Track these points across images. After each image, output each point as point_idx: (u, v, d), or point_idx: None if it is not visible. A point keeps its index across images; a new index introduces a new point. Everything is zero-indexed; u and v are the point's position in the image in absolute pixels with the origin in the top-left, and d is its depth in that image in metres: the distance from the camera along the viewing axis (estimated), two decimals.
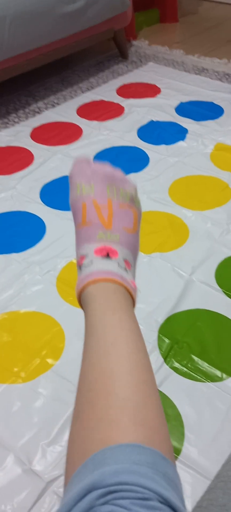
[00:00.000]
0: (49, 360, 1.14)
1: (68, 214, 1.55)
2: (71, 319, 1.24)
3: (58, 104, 2.32)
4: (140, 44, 2.98)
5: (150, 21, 3.32)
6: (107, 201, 0.64)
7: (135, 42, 3.00)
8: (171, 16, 3.35)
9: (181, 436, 0.99)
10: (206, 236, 1.46)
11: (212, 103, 2.20)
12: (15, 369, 1.12)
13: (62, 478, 0.91)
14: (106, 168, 0.68)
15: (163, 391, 1.06)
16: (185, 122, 2.06)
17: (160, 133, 2.00)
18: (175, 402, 1.04)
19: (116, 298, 0.56)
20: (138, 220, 0.65)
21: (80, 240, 0.63)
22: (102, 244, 0.60)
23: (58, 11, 2.20)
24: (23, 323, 1.24)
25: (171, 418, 1.02)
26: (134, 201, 0.66)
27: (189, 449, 0.97)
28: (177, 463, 0.94)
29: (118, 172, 0.68)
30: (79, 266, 0.60)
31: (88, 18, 2.38)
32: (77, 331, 1.20)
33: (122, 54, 2.80)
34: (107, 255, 0.59)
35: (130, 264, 0.60)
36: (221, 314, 1.22)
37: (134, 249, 0.63)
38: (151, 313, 1.24)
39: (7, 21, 2.00)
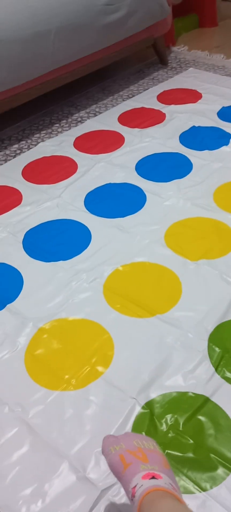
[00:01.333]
0: (99, 368, 1.14)
1: (113, 222, 1.58)
2: (120, 327, 1.23)
3: (99, 112, 2.33)
4: (180, 50, 2.96)
5: (189, 27, 3.30)
6: (138, 448, 0.77)
7: (174, 48, 2.98)
8: (210, 20, 3.32)
9: None
10: None
11: None
12: (66, 376, 1.13)
13: (116, 487, 0.91)
14: (128, 433, 0.90)
15: (215, 401, 1.05)
16: (227, 126, 2.03)
17: (203, 138, 1.97)
18: (228, 413, 1.02)
19: (167, 496, 0.66)
20: (167, 461, 0.77)
21: (127, 480, 0.73)
22: (147, 472, 0.71)
23: (100, 22, 2.21)
24: (72, 330, 1.24)
25: (224, 429, 1.00)
26: (158, 448, 0.80)
27: None
28: None
29: (138, 434, 0.85)
30: (133, 498, 0.69)
31: (129, 27, 2.38)
32: (126, 339, 1.20)
33: (161, 61, 2.79)
34: (153, 477, 0.70)
35: (175, 489, 0.69)
36: None
37: (174, 481, 0.72)
38: (200, 322, 1.22)
39: (51, 35, 2.02)
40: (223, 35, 3.20)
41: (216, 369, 1.11)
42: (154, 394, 1.08)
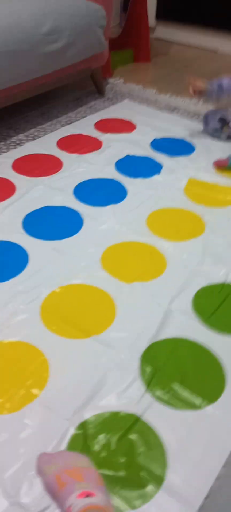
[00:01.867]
0: (34, 390, 1.10)
1: (51, 244, 1.55)
2: (56, 349, 1.20)
3: (38, 136, 2.29)
4: (116, 82, 2.99)
5: (125, 60, 3.36)
6: (73, 468, 0.78)
7: (111, 80, 3.01)
8: (144, 56, 3.40)
9: (164, 465, 0.96)
10: (183, 266, 1.45)
11: (183, 141, 2.23)
12: (0, 400, 1.08)
13: (50, 510, 0.87)
14: (62, 451, 0.92)
15: (146, 420, 1.04)
16: (159, 157, 2.07)
17: (137, 167, 2.00)
18: (158, 431, 1.02)
19: None
20: (101, 477, 0.79)
21: (63, 500, 0.73)
22: (81, 490, 0.72)
23: (41, 50, 2.19)
24: (8, 353, 1.19)
25: (153, 447, 0.99)
26: (91, 465, 0.82)
27: (171, 477, 0.94)
28: (160, 492, 0.92)
29: (72, 452, 0.89)
30: None
31: (68, 57, 2.38)
32: (62, 360, 1.17)
33: (99, 91, 2.81)
34: (88, 496, 0.71)
35: (108, 505, 0.72)
36: (198, 343, 1.21)
37: (107, 497, 0.75)
38: (133, 342, 1.21)
39: None
40: (156, 70, 3.28)
41: (147, 388, 1.11)
42: (87, 415, 1.05)
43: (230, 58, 3.47)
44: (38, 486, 0.90)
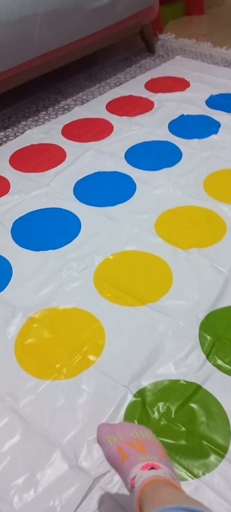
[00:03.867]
0: (91, 357, 1.14)
1: (103, 210, 1.58)
2: (111, 316, 1.23)
3: (87, 100, 2.32)
4: (167, 38, 2.95)
5: (176, 14, 3.29)
6: (135, 440, 0.77)
7: (161, 36, 2.97)
8: (197, 8, 3.32)
9: (227, 434, 0.97)
10: None
11: None
12: (57, 366, 1.12)
13: (109, 475, 0.91)
14: (124, 423, 0.88)
15: (207, 389, 1.05)
16: (216, 114, 2.04)
17: (192, 126, 1.98)
18: (220, 400, 1.03)
19: (166, 486, 0.67)
20: (165, 450, 0.78)
21: (126, 471, 0.73)
22: (145, 462, 0.72)
23: (88, 7, 2.19)
24: (63, 319, 1.24)
25: (216, 416, 1.01)
26: (155, 438, 0.80)
27: None
28: (224, 461, 0.93)
29: (134, 424, 0.88)
30: (132, 489, 0.70)
31: (117, 13, 2.37)
32: (117, 328, 1.20)
33: (148, 49, 2.78)
34: (152, 468, 0.70)
35: (174, 478, 0.70)
36: None
37: (172, 470, 0.73)
38: (191, 310, 1.23)
39: (38, 20, 2.00)
40: (210, 23, 3.20)
41: (207, 357, 1.12)
42: (145, 382, 1.08)
43: None
44: (97, 451, 0.95)
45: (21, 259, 1.42)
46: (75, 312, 1.26)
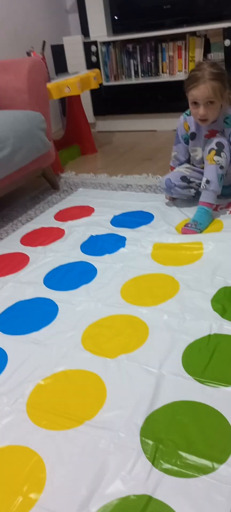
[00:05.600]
0: (32, 495, 0.96)
1: (28, 337, 1.43)
2: (49, 445, 1.07)
3: (1, 238, 2.22)
4: (68, 175, 3.01)
5: (73, 156, 3.40)
6: None
7: (63, 175, 3.02)
8: (90, 148, 3.46)
9: None
10: (165, 328, 1.37)
11: (142, 212, 2.21)
12: None
13: None
14: None
15: (159, 498, 0.91)
16: (121, 231, 2.03)
17: (102, 245, 1.94)
18: (174, 507, 0.89)
19: None
20: None
21: None
22: None
23: None
24: None
25: None
26: None
27: None
28: None
29: None
30: None
31: (17, 161, 2.38)
32: (56, 455, 1.04)
33: (53, 186, 2.80)
34: None
35: None
36: (197, 402, 1.11)
37: None
38: (129, 418, 1.09)
39: None
40: (103, 159, 3.34)
41: (152, 463, 0.98)
42: (94, 509, 0.92)
43: (167, 134, 3.59)
44: None
45: None
46: (10, 450, 1.07)
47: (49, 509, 0.92)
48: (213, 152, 1.95)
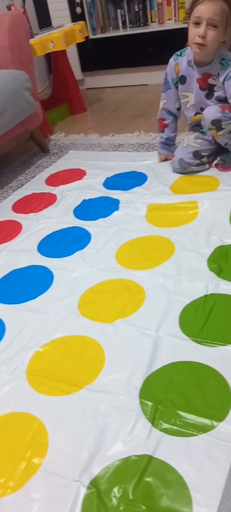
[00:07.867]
0: (36, 460, 1.00)
1: (25, 306, 1.46)
2: (50, 410, 1.10)
3: None
4: (58, 137, 2.98)
5: (62, 116, 3.36)
6: None
7: (52, 137, 2.99)
8: (79, 107, 3.42)
9: (188, 500, 0.88)
10: (161, 291, 1.40)
11: (135, 172, 2.21)
12: (2, 480, 0.96)
13: None
14: None
15: (159, 457, 0.96)
16: (115, 194, 2.04)
17: (95, 208, 1.95)
18: (174, 465, 0.94)
19: None
20: None
21: None
22: None
23: None
24: (1, 428, 1.08)
25: (173, 484, 0.91)
26: None
27: (199, 511, 0.86)
28: None
29: None
30: None
31: (3, 124, 2.34)
32: (58, 420, 1.08)
33: (42, 149, 2.78)
34: None
35: None
36: (194, 362, 1.15)
37: None
38: (128, 381, 1.13)
39: None
40: (93, 118, 3.30)
41: (152, 424, 1.03)
42: (97, 470, 0.96)
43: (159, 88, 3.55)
44: None
45: None
46: (12, 417, 1.11)
47: (53, 473, 0.97)
48: (214, 131, 1.95)
